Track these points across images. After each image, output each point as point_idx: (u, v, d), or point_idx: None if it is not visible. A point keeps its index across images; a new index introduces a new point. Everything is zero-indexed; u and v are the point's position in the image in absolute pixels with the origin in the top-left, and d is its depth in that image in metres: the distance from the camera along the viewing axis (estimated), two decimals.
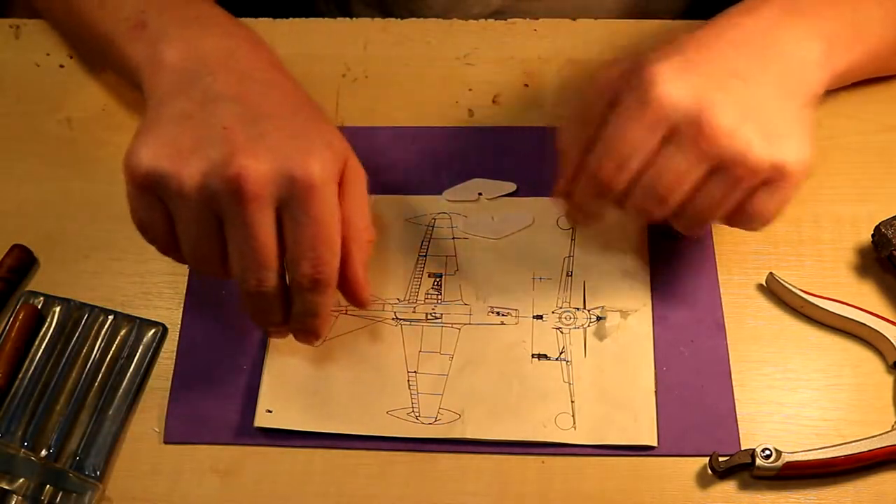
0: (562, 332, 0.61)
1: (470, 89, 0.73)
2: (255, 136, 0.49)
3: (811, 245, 0.64)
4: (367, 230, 0.54)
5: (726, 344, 0.61)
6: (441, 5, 0.79)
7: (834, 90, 0.69)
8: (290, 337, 0.62)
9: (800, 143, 0.52)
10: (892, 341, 0.59)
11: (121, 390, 0.61)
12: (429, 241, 0.65)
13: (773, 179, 0.51)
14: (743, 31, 0.54)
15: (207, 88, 0.52)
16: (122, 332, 0.63)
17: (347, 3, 0.85)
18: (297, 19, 0.76)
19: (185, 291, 0.64)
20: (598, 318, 0.62)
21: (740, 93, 0.51)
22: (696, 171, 0.51)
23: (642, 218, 0.56)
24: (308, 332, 0.55)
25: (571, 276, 0.63)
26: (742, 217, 0.53)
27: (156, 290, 0.65)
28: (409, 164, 0.69)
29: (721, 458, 0.56)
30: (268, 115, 0.51)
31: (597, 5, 0.79)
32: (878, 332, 0.59)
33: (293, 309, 0.54)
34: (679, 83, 0.50)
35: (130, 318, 0.63)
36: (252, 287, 0.52)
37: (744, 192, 0.52)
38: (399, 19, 0.76)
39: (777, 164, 0.51)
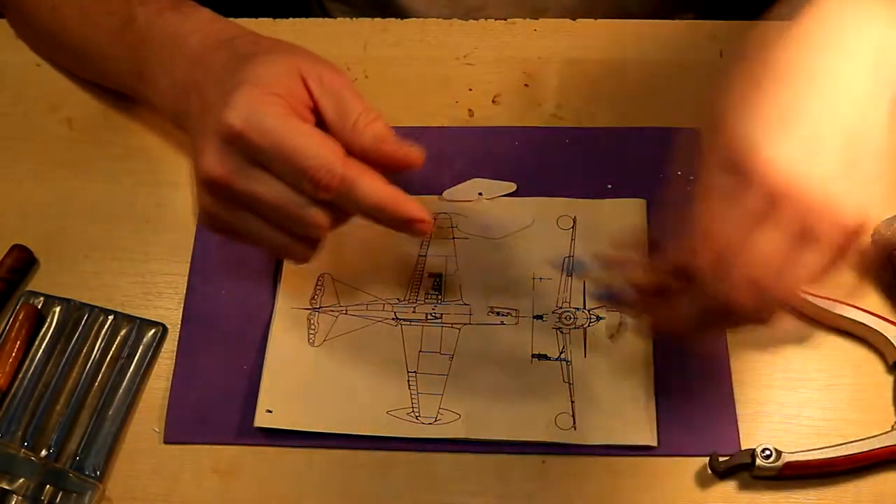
0: (562, 333, 0.61)
1: (470, 89, 0.73)
2: (200, 132, 0.52)
3: None
4: (367, 113, 0.52)
5: (726, 344, 0.61)
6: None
7: None
8: (288, 338, 0.62)
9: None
10: (892, 341, 0.59)
11: (121, 390, 0.61)
12: (429, 241, 0.65)
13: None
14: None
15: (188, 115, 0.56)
16: (122, 332, 0.63)
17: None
18: (297, 19, 0.76)
19: (185, 291, 0.64)
20: (598, 318, 0.62)
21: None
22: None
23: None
24: (385, 211, 0.52)
25: (571, 276, 0.63)
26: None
27: (156, 290, 0.65)
28: None
29: (721, 458, 0.56)
30: (210, 107, 0.52)
31: (554, 4, 0.79)
32: (878, 332, 0.59)
33: (358, 214, 0.53)
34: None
35: (130, 318, 0.63)
36: (311, 232, 0.52)
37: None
38: (399, 19, 0.76)
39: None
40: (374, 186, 0.51)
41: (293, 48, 0.55)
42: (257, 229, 0.53)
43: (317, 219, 0.52)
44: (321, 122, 0.52)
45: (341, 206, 0.52)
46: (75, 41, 0.68)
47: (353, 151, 0.52)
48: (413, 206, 0.52)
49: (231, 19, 0.60)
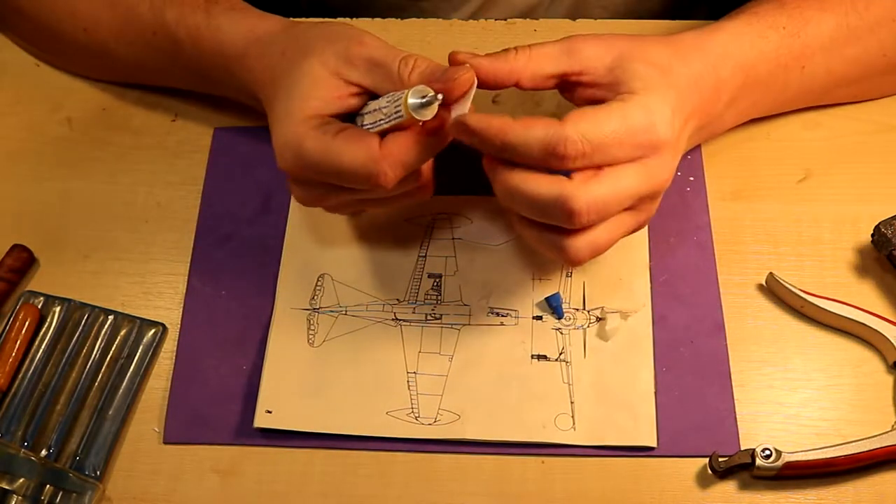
0: (561, 333, 0.61)
1: None
2: (273, 133, 0.57)
3: (811, 245, 0.64)
4: (404, 63, 0.54)
5: (726, 344, 0.61)
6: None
7: None
8: (288, 339, 0.62)
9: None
10: (892, 341, 0.59)
11: (121, 390, 0.61)
12: (428, 242, 0.65)
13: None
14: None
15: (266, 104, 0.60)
16: (122, 332, 0.63)
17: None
18: (297, 19, 0.76)
19: (184, 291, 0.64)
20: (598, 319, 0.62)
21: None
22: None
23: None
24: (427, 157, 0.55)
25: (571, 276, 0.63)
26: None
27: (156, 290, 0.65)
28: None
29: (721, 458, 0.56)
30: (273, 118, 0.57)
31: (595, 2, 0.80)
32: (878, 332, 0.59)
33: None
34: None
35: (130, 318, 0.64)
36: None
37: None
38: (399, 19, 0.76)
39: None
40: (412, 155, 0.53)
41: (326, 39, 0.56)
42: (361, 198, 0.57)
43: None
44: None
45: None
46: (121, 59, 0.69)
47: None
48: (446, 129, 0.53)
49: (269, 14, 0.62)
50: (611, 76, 0.55)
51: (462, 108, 0.53)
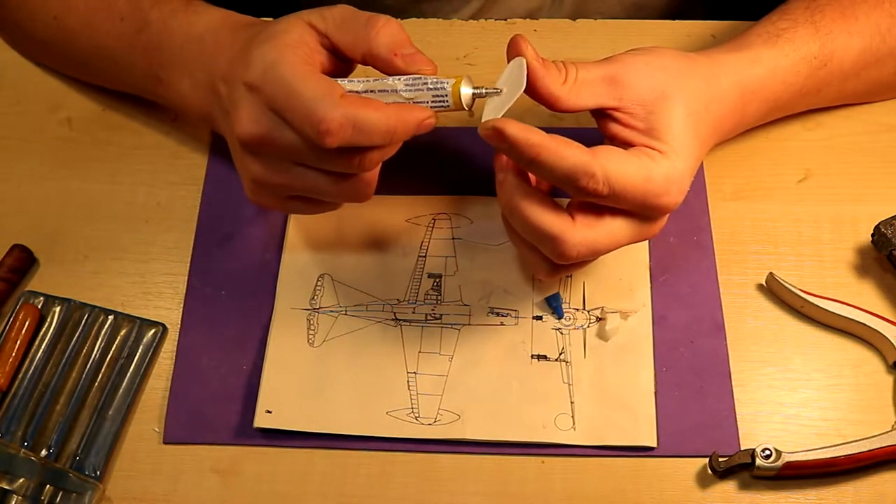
0: (561, 333, 0.61)
1: None
2: (232, 103, 0.55)
3: (811, 245, 0.64)
4: (372, 20, 0.53)
5: (726, 344, 0.61)
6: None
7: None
8: (288, 339, 0.62)
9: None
10: (892, 341, 0.59)
11: (121, 390, 0.61)
12: (428, 242, 0.65)
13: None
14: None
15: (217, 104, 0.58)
16: (122, 332, 0.63)
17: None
18: None
19: (184, 291, 0.64)
20: (598, 319, 0.62)
21: None
22: None
23: None
24: (398, 132, 0.52)
25: (571, 276, 0.63)
26: None
27: (156, 290, 0.65)
28: (409, 164, 0.69)
29: (721, 458, 0.56)
30: (235, 78, 0.54)
31: (595, 9, 0.80)
32: (878, 332, 0.59)
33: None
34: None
35: (130, 318, 0.64)
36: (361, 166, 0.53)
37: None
38: (399, 19, 0.76)
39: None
40: (377, 115, 0.50)
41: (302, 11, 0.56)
42: (311, 179, 0.54)
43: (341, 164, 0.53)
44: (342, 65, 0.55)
45: (357, 144, 0.51)
46: (83, 49, 0.68)
47: (374, 65, 0.53)
48: (416, 110, 0.52)
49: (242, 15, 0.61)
50: (646, 123, 0.54)
51: (496, 112, 0.52)
